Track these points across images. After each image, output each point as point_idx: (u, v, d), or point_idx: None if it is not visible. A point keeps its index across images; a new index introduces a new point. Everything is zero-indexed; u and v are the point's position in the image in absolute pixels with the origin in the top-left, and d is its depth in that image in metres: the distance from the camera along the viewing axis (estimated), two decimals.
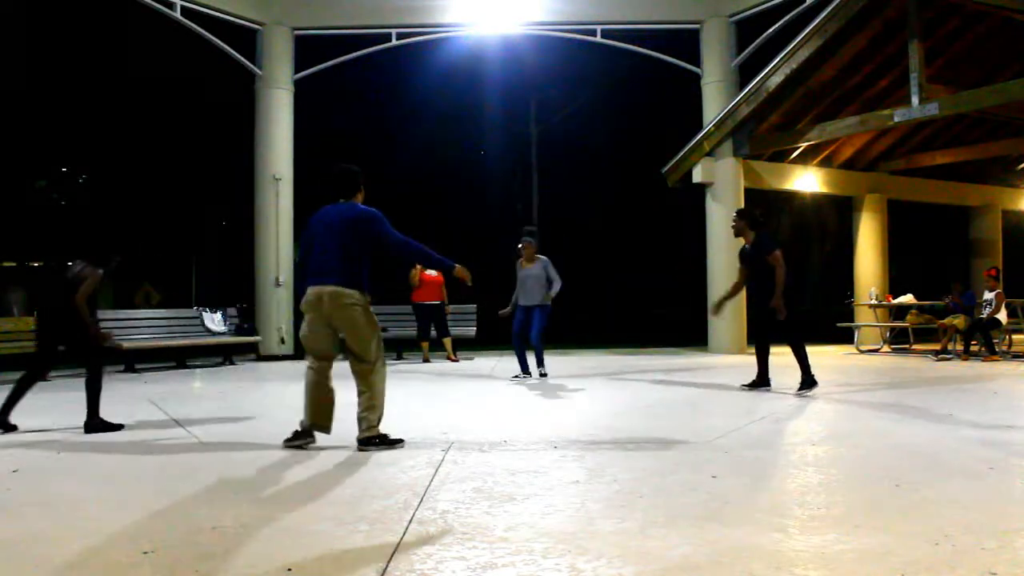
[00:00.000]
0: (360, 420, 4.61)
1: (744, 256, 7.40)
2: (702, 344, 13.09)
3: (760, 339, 7.48)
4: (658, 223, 24.88)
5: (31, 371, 5.74)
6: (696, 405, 6.68)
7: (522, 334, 8.56)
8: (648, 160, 16.13)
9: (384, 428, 4.69)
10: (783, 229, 24.13)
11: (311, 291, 4.60)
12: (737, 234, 7.42)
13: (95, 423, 5.48)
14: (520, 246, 8.57)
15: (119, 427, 5.51)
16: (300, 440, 4.65)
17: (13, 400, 5.57)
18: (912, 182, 14.67)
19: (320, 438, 4.84)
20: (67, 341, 5.65)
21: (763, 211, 7.56)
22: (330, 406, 4.70)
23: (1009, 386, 7.75)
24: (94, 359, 5.66)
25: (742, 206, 12.57)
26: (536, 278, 8.41)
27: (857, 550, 2.70)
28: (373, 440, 4.56)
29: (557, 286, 8.42)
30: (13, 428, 5.48)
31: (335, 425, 5.10)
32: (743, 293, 12.45)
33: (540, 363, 8.64)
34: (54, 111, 22.41)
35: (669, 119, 19.96)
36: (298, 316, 4.90)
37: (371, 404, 4.62)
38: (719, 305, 7.94)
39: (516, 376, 8.61)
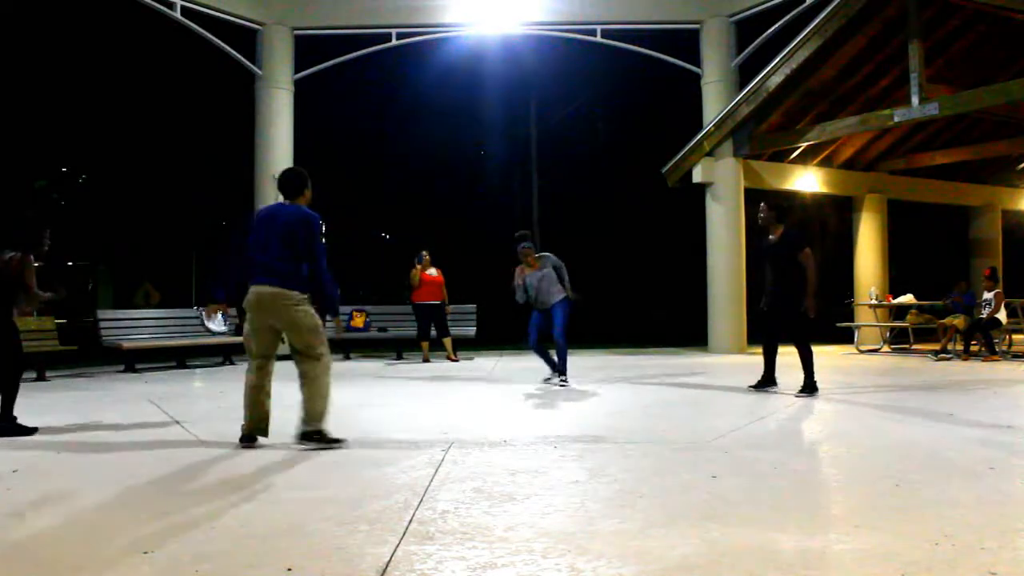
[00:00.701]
0: (302, 412, 4.62)
1: (765, 250, 7.11)
2: (702, 344, 13.09)
3: (769, 338, 7.34)
4: (658, 223, 24.86)
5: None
6: (696, 405, 6.68)
7: (540, 341, 8.06)
8: (648, 160, 16.14)
9: (386, 427, 4.69)
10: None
11: (252, 291, 4.65)
12: (764, 225, 7.09)
13: (6, 425, 5.33)
14: (522, 252, 7.92)
15: (33, 431, 5.36)
16: (245, 445, 4.70)
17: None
18: (912, 182, 14.67)
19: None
20: None
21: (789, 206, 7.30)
22: (267, 412, 4.75)
23: (1009, 386, 7.75)
24: (17, 358, 5.57)
25: (742, 206, 12.60)
26: (548, 278, 7.86)
27: (857, 550, 2.70)
28: (312, 436, 4.57)
29: (567, 282, 7.99)
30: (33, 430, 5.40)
31: (334, 425, 5.11)
32: (744, 290, 12.57)
33: (563, 369, 7.86)
34: (54, 111, 22.41)
35: (669, 119, 19.96)
36: None
37: (312, 395, 4.62)
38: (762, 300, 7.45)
39: (548, 379, 8.06)
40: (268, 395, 4.79)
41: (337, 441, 4.64)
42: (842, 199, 14.74)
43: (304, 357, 4.69)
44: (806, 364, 6.94)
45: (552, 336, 7.90)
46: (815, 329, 7.16)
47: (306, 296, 4.67)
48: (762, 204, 7.15)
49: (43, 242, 5.68)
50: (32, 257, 5.50)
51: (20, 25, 20.12)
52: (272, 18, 12.97)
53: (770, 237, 7.07)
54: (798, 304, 6.79)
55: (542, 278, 7.88)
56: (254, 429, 4.73)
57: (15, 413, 5.45)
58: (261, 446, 4.70)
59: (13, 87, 20.92)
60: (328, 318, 4.92)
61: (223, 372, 10.30)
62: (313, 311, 4.72)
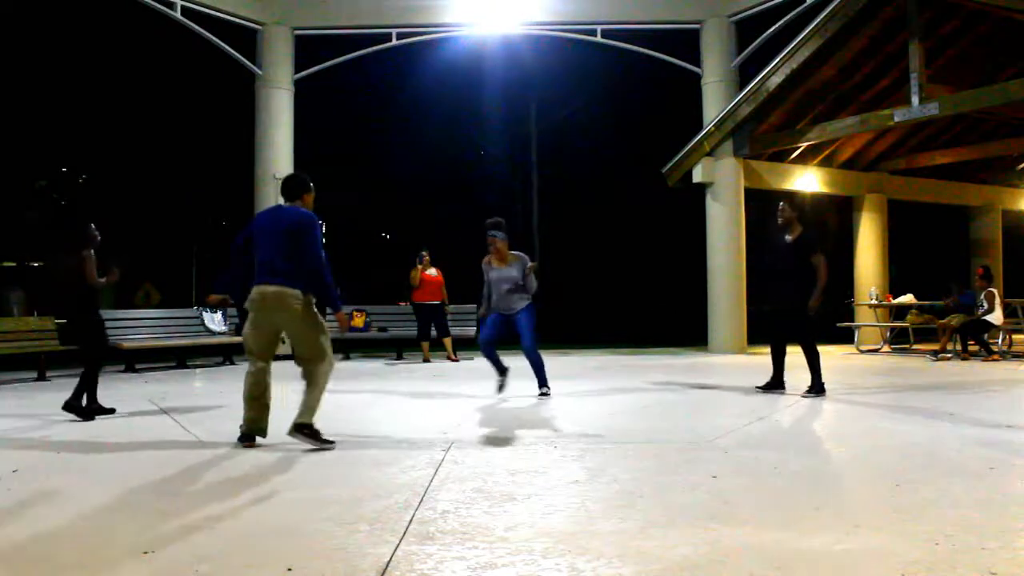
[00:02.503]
0: (301, 406, 4.66)
1: (780, 248, 7.02)
2: (702, 344, 13.09)
3: (777, 339, 7.28)
4: (658, 223, 24.87)
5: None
6: (696, 405, 6.68)
7: (494, 341, 7.09)
8: (648, 160, 16.14)
9: (385, 427, 4.69)
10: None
11: (256, 290, 4.69)
12: (784, 224, 7.01)
13: (90, 407, 5.99)
14: (491, 241, 6.96)
15: (85, 417, 5.95)
16: (245, 444, 4.72)
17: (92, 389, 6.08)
18: (912, 182, 14.68)
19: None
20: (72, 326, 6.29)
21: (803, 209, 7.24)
22: (266, 411, 4.79)
23: (1009, 386, 7.75)
24: (104, 349, 6.39)
25: (742, 206, 12.61)
26: (513, 280, 6.91)
27: (857, 550, 2.70)
28: (304, 428, 4.58)
29: (534, 287, 7.00)
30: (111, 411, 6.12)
31: (333, 425, 5.12)
32: (744, 290, 12.55)
33: (542, 382, 7.07)
34: (54, 111, 22.42)
35: (669, 119, 19.97)
36: None
37: (312, 392, 4.68)
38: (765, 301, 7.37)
39: (500, 386, 7.15)
40: (269, 395, 4.82)
41: (329, 443, 4.64)
42: (842, 199, 14.75)
43: (304, 360, 4.73)
44: (813, 365, 6.91)
45: (522, 347, 7.04)
46: (819, 329, 7.15)
47: (310, 296, 4.71)
48: (782, 203, 7.12)
49: (94, 236, 6.26)
50: (91, 252, 6.13)
51: (20, 25, 20.11)
52: (272, 18, 12.98)
53: (787, 237, 7.02)
54: (806, 306, 6.78)
55: (504, 279, 6.92)
56: (253, 428, 4.75)
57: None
58: (260, 446, 4.70)
59: (13, 87, 20.91)
60: (330, 313, 4.94)
61: (223, 372, 10.30)
62: (317, 312, 4.75)
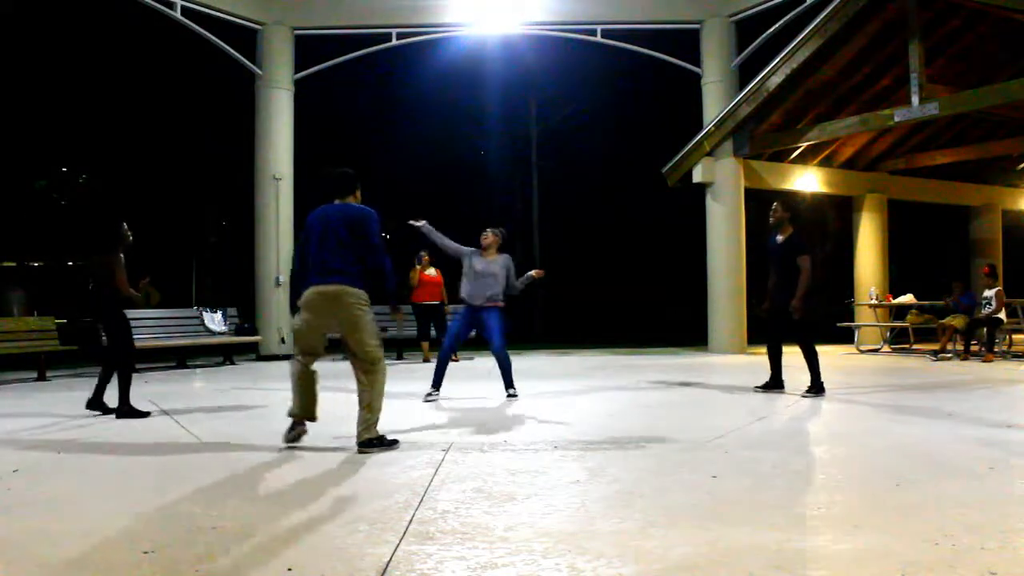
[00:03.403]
0: (359, 422, 4.60)
1: (771, 249, 7.07)
2: (702, 344, 13.09)
3: (773, 339, 7.28)
4: (658, 223, 24.88)
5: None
6: (696, 405, 6.68)
7: (460, 338, 7.27)
8: (648, 160, 16.15)
9: (384, 428, 4.69)
10: None
11: (312, 289, 4.57)
12: (775, 224, 7.01)
13: (125, 409, 6.00)
14: (487, 236, 7.13)
15: (146, 414, 6.07)
16: (296, 431, 4.68)
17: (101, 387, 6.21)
18: (912, 182, 14.68)
19: (320, 439, 4.85)
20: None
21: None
22: (316, 395, 4.75)
23: (1009, 386, 7.75)
24: (130, 349, 6.35)
25: (742, 206, 12.61)
26: (496, 276, 6.98)
27: (857, 550, 2.70)
28: (372, 442, 4.55)
29: (516, 286, 7.11)
30: (112, 411, 6.09)
31: (335, 425, 5.12)
32: (744, 290, 12.56)
33: (509, 383, 7.13)
34: (54, 111, 22.43)
35: (669, 119, 19.98)
36: None
37: (370, 404, 4.61)
38: (764, 301, 7.33)
39: (430, 395, 7.04)
40: (316, 380, 4.75)
41: (394, 442, 4.64)
42: (842, 199, 14.75)
43: (361, 360, 4.62)
44: (812, 365, 6.92)
45: (491, 349, 7.14)
46: (816, 329, 7.14)
47: (367, 298, 4.62)
48: (776, 203, 7.12)
49: (125, 236, 6.30)
50: (120, 256, 6.16)
51: (20, 25, 20.12)
52: (272, 18, 12.98)
53: (778, 237, 7.03)
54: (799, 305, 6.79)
55: (489, 271, 6.97)
56: (305, 414, 4.69)
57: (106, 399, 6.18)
58: (260, 447, 4.70)
59: (13, 87, 20.92)
60: (389, 310, 4.87)
61: (223, 372, 10.30)
62: (372, 313, 4.68)
